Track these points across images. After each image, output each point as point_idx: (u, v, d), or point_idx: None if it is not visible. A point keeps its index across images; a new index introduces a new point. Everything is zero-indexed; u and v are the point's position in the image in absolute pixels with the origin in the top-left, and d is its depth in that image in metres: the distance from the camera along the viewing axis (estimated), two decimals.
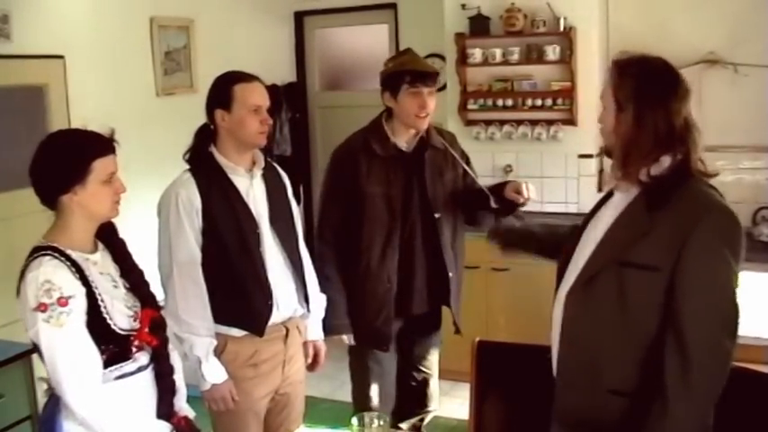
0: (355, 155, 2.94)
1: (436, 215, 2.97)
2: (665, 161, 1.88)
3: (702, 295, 1.79)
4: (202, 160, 2.58)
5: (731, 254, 1.80)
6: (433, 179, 2.98)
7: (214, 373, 2.53)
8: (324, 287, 2.87)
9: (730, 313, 1.81)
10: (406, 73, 2.90)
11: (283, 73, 5.84)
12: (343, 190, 2.94)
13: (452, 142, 3.11)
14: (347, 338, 2.98)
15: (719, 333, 1.80)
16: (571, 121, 4.56)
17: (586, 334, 1.91)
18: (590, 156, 4.62)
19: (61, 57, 3.92)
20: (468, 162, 3.12)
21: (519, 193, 2.88)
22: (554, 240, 2.32)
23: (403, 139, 2.99)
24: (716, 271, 1.80)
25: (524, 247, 2.50)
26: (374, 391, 3.08)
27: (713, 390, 1.80)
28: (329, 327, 2.92)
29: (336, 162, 3.01)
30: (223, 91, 2.56)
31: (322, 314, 2.86)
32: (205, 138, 2.61)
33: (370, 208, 2.91)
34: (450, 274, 3.03)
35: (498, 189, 2.96)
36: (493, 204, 2.92)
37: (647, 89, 1.88)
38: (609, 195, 2.06)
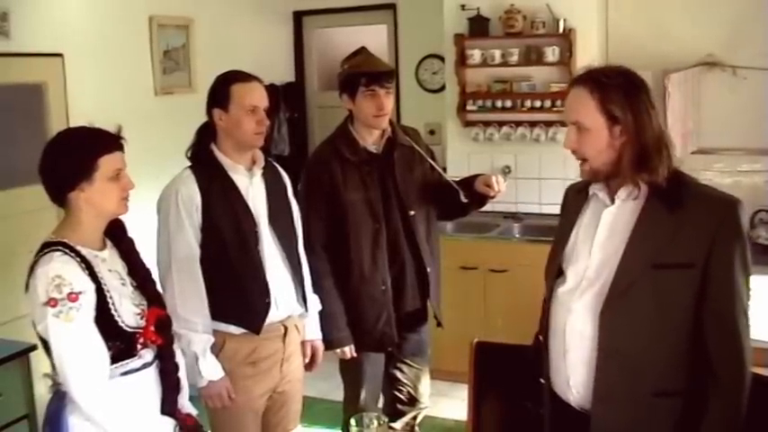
0: (328, 164, 2.92)
1: (411, 213, 2.97)
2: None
3: (737, 278, 1.83)
4: (203, 158, 2.59)
5: (747, 238, 1.89)
6: (404, 177, 2.98)
7: (211, 369, 2.53)
8: (322, 300, 2.87)
9: (749, 293, 1.87)
10: (361, 75, 2.87)
11: (282, 73, 5.84)
12: (323, 203, 2.91)
13: (417, 138, 3.11)
14: (349, 350, 2.96)
15: (748, 309, 1.85)
16: None
17: (627, 343, 1.88)
18: None
19: (60, 55, 3.91)
20: (432, 157, 3.12)
21: (489, 186, 2.88)
22: None
23: (371, 141, 2.97)
24: (746, 255, 1.86)
25: None
26: (365, 392, 3.08)
27: (750, 367, 1.84)
28: (332, 340, 2.92)
29: (311, 175, 2.97)
30: (221, 90, 2.57)
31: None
32: (206, 135, 2.62)
33: (353, 215, 2.89)
34: (429, 269, 3.03)
35: (468, 183, 2.96)
36: (463, 199, 2.91)
37: (637, 92, 1.88)
38: (583, 198, 2.05)
